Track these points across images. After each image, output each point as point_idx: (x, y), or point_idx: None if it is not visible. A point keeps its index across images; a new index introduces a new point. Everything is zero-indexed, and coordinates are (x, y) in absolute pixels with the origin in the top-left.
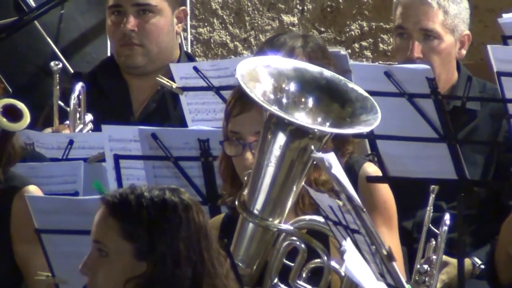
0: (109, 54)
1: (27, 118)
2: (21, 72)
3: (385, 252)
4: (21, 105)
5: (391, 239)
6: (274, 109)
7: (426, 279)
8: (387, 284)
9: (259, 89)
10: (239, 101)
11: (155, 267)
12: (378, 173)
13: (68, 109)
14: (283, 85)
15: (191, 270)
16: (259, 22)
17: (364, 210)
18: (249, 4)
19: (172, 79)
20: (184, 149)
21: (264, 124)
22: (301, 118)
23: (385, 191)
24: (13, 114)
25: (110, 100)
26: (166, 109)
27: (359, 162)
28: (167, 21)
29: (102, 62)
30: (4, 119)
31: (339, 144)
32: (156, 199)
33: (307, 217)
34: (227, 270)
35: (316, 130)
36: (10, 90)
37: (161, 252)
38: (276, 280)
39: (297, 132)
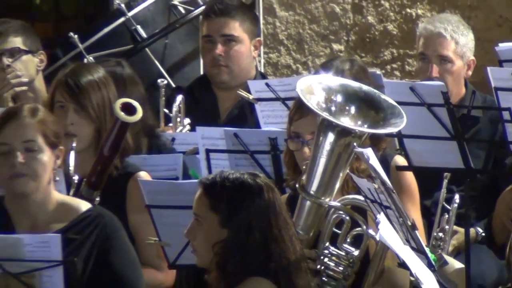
0: (202, 73)
1: (139, 112)
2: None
3: (409, 223)
4: (135, 102)
5: (414, 214)
6: (325, 115)
7: (441, 243)
8: (411, 247)
9: (314, 100)
10: (299, 109)
11: (233, 233)
12: (405, 163)
13: (171, 114)
14: (332, 97)
15: (261, 236)
16: (315, 49)
17: (394, 191)
18: (307, 35)
19: (249, 92)
20: (258, 145)
21: (318, 126)
22: (346, 121)
23: (410, 177)
24: (129, 110)
25: (202, 108)
26: (244, 115)
27: (391, 155)
28: (246, 48)
29: (197, 79)
30: (122, 113)
31: (375, 141)
32: (236, 181)
33: (351, 196)
34: (293, 235)
35: (357, 130)
36: None
37: (237, 222)
38: (327, 244)
39: (343, 132)
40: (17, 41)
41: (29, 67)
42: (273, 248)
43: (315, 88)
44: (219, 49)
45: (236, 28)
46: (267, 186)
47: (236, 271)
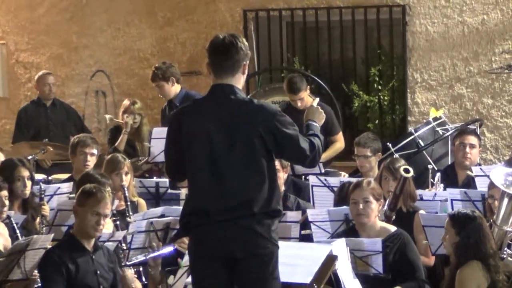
0: (449, 162)
1: (411, 172)
2: (417, 167)
3: None
4: (410, 168)
5: None
6: (503, 188)
7: None
8: None
9: (499, 179)
10: (492, 184)
11: (461, 238)
12: None
13: (434, 182)
14: (507, 178)
15: (474, 241)
16: (505, 151)
17: None
18: (504, 142)
19: (471, 171)
20: (476, 197)
21: (501, 194)
22: None
23: None
24: (407, 171)
25: (450, 178)
26: (469, 183)
27: None
28: (478, 151)
29: (448, 165)
30: (404, 172)
31: None
32: (463, 213)
33: None
34: (492, 240)
35: None
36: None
37: (463, 234)
38: (505, 248)
39: None
40: (369, 152)
41: (373, 162)
42: (482, 246)
43: (499, 174)
44: (469, 150)
45: (476, 139)
46: (479, 216)
47: (464, 257)
